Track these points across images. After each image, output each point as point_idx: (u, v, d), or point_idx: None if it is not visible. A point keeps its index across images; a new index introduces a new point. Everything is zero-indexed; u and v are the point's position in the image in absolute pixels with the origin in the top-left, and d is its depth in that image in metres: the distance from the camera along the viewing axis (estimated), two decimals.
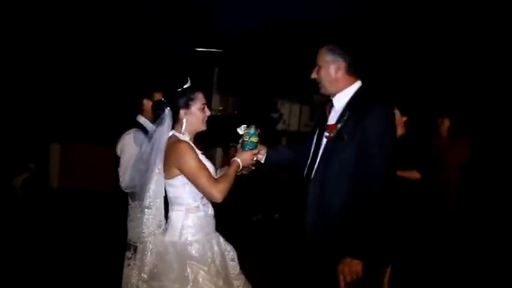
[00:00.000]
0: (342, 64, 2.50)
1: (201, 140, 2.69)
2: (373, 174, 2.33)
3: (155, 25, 10.42)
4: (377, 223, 2.32)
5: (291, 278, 3.00)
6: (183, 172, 2.43)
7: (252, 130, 2.64)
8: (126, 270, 2.57)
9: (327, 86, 2.56)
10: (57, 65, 10.10)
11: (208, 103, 2.63)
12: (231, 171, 2.53)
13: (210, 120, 2.63)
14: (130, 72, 10.27)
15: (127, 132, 3.32)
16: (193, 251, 2.46)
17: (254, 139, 2.62)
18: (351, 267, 2.32)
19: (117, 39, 10.28)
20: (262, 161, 2.84)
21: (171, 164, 2.44)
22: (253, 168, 2.74)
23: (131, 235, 2.58)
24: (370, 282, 2.48)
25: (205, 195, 2.45)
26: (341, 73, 2.51)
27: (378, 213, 2.31)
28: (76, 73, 10.35)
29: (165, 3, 10.51)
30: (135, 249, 2.49)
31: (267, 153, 2.84)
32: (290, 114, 11.98)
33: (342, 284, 2.36)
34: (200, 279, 2.40)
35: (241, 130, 2.67)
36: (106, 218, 6.89)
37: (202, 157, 2.55)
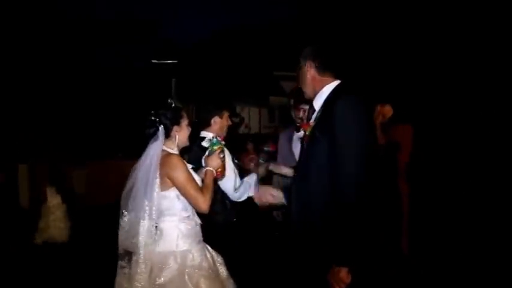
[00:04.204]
0: (311, 64, 2.50)
1: None
2: (343, 175, 2.26)
3: (109, 39, 10.44)
4: (357, 226, 2.24)
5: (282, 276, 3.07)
6: (174, 183, 2.58)
7: (214, 140, 2.90)
8: (119, 278, 2.62)
9: (305, 90, 2.58)
10: (16, 83, 9.91)
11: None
12: (208, 180, 2.72)
13: None
14: (93, 90, 10.23)
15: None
16: (193, 260, 2.59)
17: (216, 147, 2.87)
18: (337, 276, 2.26)
19: (74, 57, 10.21)
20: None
21: (165, 175, 2.58)
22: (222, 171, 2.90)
23: (123, 245, 2.62)
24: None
25: (193, 205, 2.62)
26: (312, 73, 2.51)
27: (356, 215, 2.24)
28: (39, 92, 10.18)
29: (117, 18, 10.56)
30: (129, 258, 2.60)
31: None
32: (250, 118, 12.23)
33: None
34: (203, 285, 2.54)
35: (206, 143, 2.98)
36: (82, 236, 6.88)
37: (190, 170, 2.70)
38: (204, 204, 2.58)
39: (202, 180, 2.75)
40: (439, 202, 7.14)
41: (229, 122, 3.63)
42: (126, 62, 10.90)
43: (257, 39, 9.37)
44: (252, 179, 3.46)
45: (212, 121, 3.51)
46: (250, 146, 7.44)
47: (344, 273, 2.23)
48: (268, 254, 4.67)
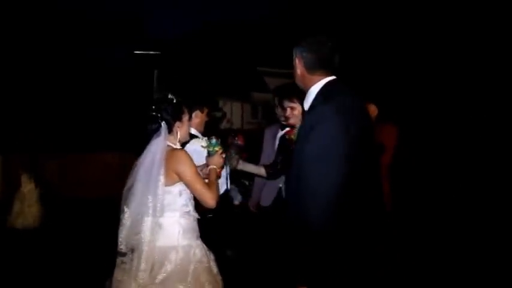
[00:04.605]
0: (300, 61, 2.40)
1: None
2: (309, 195, 2.10)
3: (92, 30, 10.20)
4: (315, 250, 2.11)
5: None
6: (182, 178, 2.61)
7: (214, 141, 2.97)
8: (119, 274, 2.62)
9: (296, 81, 2.48)
10: None
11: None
12: (212, 178, 2.82)
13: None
14: (73, 80, 9.96)
15: (190, 143, 3.59)
16: (195, 254, 2.65)
17: (217, 148, 2.96)
18: None
19: (55, 45, 9.94)
20: None
21: (171, 170, 2.60)
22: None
23: (125, 242, 2.62)
24: None
25: (201, 200, 2.64)
26: (301, 71, 2.40)
27: (315, 236, 2.10)
28: (14, 82, 9.85)
29: (101, 8, 10.30)
30: (130, 254, 2.61)
31: None
32: (232, 113, 12.13)
33: None
34: (202, 279, 2.60)
35: (204, 143, 3.06)
36: (53, 223, 6.73)
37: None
38: (212, 200, 2.62)
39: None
40: (421, 202, 7.19)
41: (208, 118, 3.75)
42: (108, 51, 10.66)
43: (242, 33, 9.26)
44: (225, 172, 3.50)
45: (193, 115, 3.53)
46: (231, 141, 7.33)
47: None
48: (248, 249, 4.62)
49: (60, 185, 8.03)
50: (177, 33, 9.48)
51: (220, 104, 11.64)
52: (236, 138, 3.84)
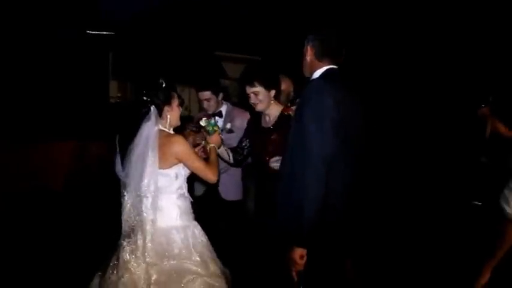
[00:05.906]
0: (311, 47, 2.60)
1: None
2: (294, 162, 2.32)
3: (38, 6, 9.56)
4: (304, 207, 2.22)
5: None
6: (182, 160, 2.80)
7: (212, 121, 3.22)
8: (125, 254, 2.69)
9: (303, 68, 2.69)
10: None
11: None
12: (213, 155, 3.05)
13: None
14: (22, 63, 9.32)
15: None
16: (193, 233, 2.85)
17: (216, 127, 3.21)
18: (289, 255, 2.28)
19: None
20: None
21: (169, 154, 2.76)
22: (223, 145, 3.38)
23: (128, 224, 2.76)
24: (323, 273, 2.40)
25: (202, 176, 2.87)
26: (310, 57, 2.61)
27: (302, 199, 2.23)
28: None
29: None
30: (132, 235, 2.74)
31: None
32: (190, 100, 11.86)
33: (293, 274, 2.34)
34: (205, 257, 2.80)
35: (203, 122, 3.27)
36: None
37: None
38: (213, 175, 2.85)
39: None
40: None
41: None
42: (56, 30, 10.03)
43: (200, 16, 8.96)
44: None
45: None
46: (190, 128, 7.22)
47: (294, 254, 2.24)
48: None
49: (10, 175, 7.62)
50: (133, 12, 9.03)
51: (178, 90, 11.36)
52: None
